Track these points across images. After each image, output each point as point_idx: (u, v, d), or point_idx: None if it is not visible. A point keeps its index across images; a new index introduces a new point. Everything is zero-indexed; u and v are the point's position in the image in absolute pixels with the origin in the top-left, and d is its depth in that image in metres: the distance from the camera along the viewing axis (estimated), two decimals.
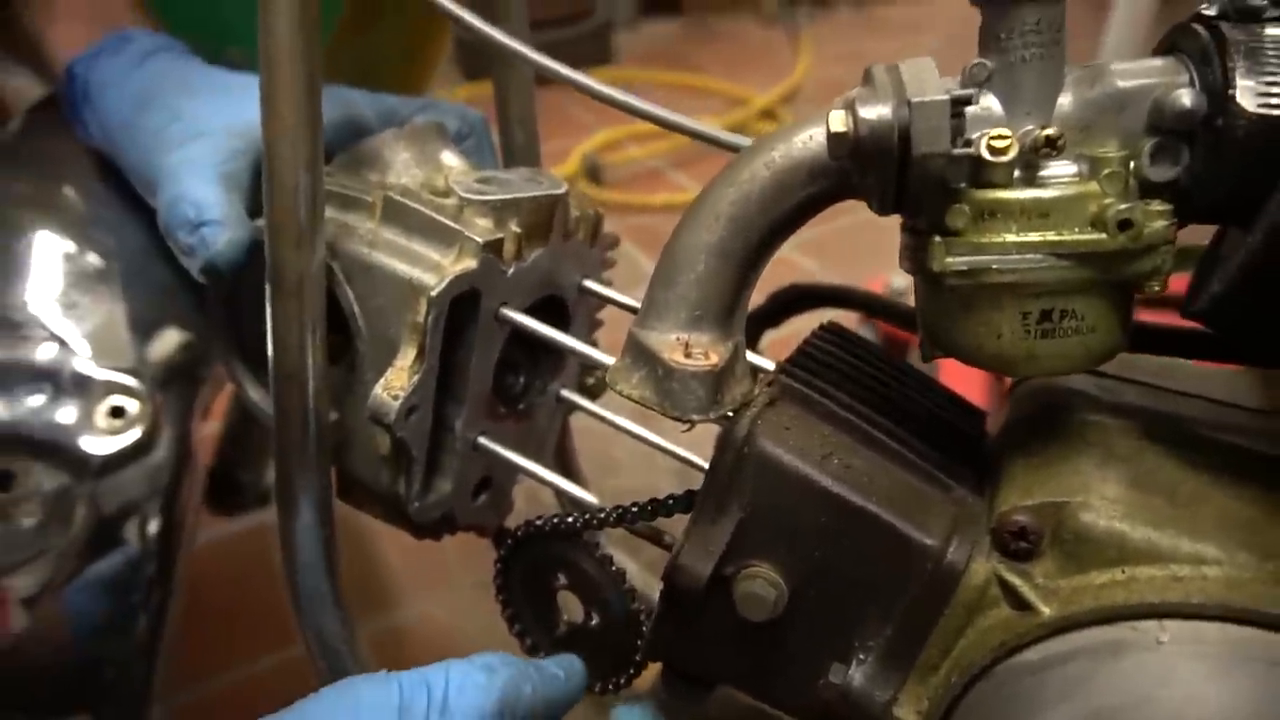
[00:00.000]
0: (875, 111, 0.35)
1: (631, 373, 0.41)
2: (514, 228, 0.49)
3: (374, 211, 0.49)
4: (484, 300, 0.49)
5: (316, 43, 0.42)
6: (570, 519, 0.46)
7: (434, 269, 0.47)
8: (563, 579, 0.49)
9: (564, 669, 0.46)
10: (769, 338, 0.69)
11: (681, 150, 2.14)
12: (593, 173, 2.07)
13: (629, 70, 2.67)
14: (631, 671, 0.48)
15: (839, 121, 0.35)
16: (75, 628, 0.59)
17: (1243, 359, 0.43)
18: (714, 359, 0.39)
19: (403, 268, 0.48)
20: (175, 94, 0.56)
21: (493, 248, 0.48)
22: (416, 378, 0.47)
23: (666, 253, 0.41)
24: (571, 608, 0.50)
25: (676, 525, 0.45)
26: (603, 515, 0.45)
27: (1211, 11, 0.36)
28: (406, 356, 0.47)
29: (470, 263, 0.47)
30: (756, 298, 0.54)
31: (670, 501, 0.45)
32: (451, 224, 0.48)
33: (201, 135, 0.53)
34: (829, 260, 1.73)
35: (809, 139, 0.39)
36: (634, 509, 0.45)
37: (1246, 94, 0.33)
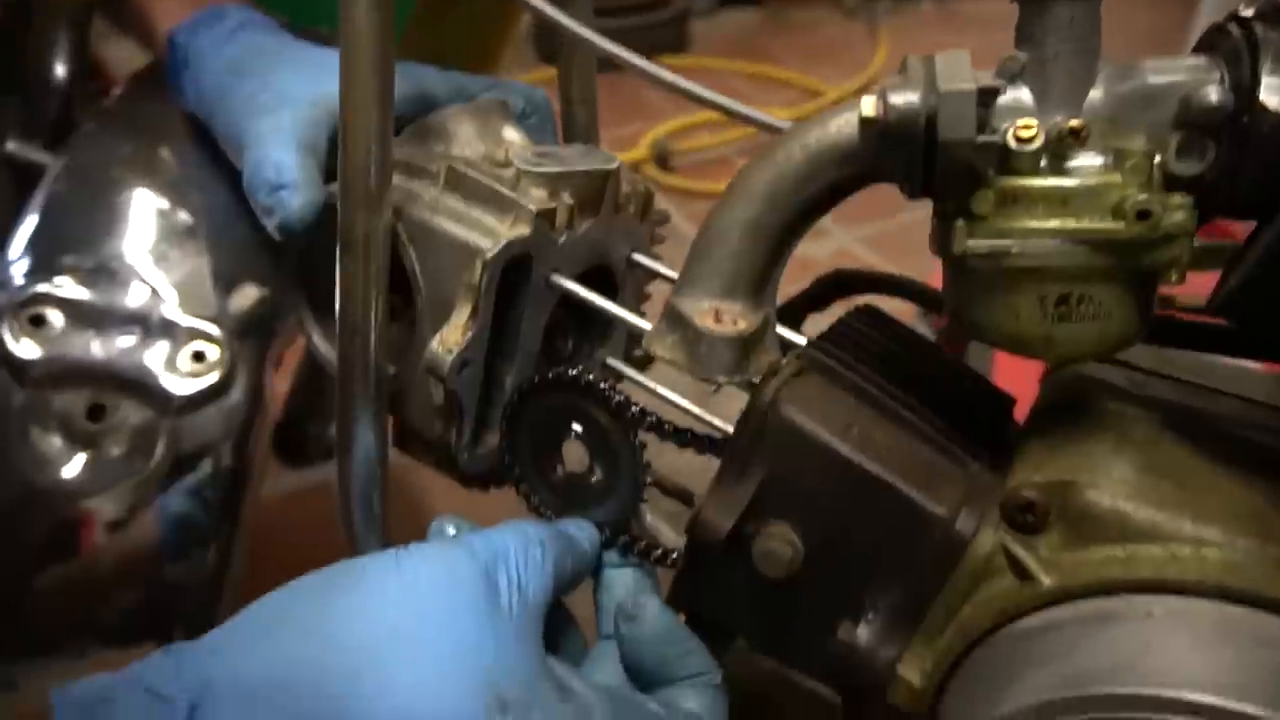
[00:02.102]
0: (904, 98, 0.37)
1: (666, 336, 0.44)
2: (567, 199, 0.52)
3: (438, 179, 0.53)
4: (535, 266, 0.52)
5: (390, 25, 0.46)
6: (612, 390, 0.47)
7: (490, 234, 0.50)
8: (578, 429, 0.49)
9: (586, 538, 0.48)
10: (814, 321, 0.71)
11: (750, 139, 2.15)
12: (662, 159, 2.09)
13: (704, 59, 2.68)
14: (622, 535, 0.49)
15: (870, 106, 0.38)
16: (147, 555, 0.64)
17: (1258, 354, 0.44)
18: (742, 326, 0.42)
19: (461, 232, 0.51)
20: (264, 65, 0.61)
21: (545, 216, 0.51)
22: (470, 335, 0.50)
23: (704, 227, 0.44)
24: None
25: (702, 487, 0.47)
26: (639, 408, 0.47)
27: (1248, 12, 0.37)
28: (461, 315, 0.50)
29: (524, 229, 0.50)
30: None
31: (706, 440, 0.47)
32: (508, 193, 0.51)
33: (285, 104, 0.57)
34: (892, 254, 1.73)
35: (843, 123, 0.41)
36: (666, 424, 0.47)
37: (1272, 93, 0.34)
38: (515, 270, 0.51)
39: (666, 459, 0.52)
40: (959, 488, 0.42)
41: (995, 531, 0.40)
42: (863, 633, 0.42)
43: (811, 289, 0.68)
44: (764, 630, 0.46)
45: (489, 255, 0.49)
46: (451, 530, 0.46)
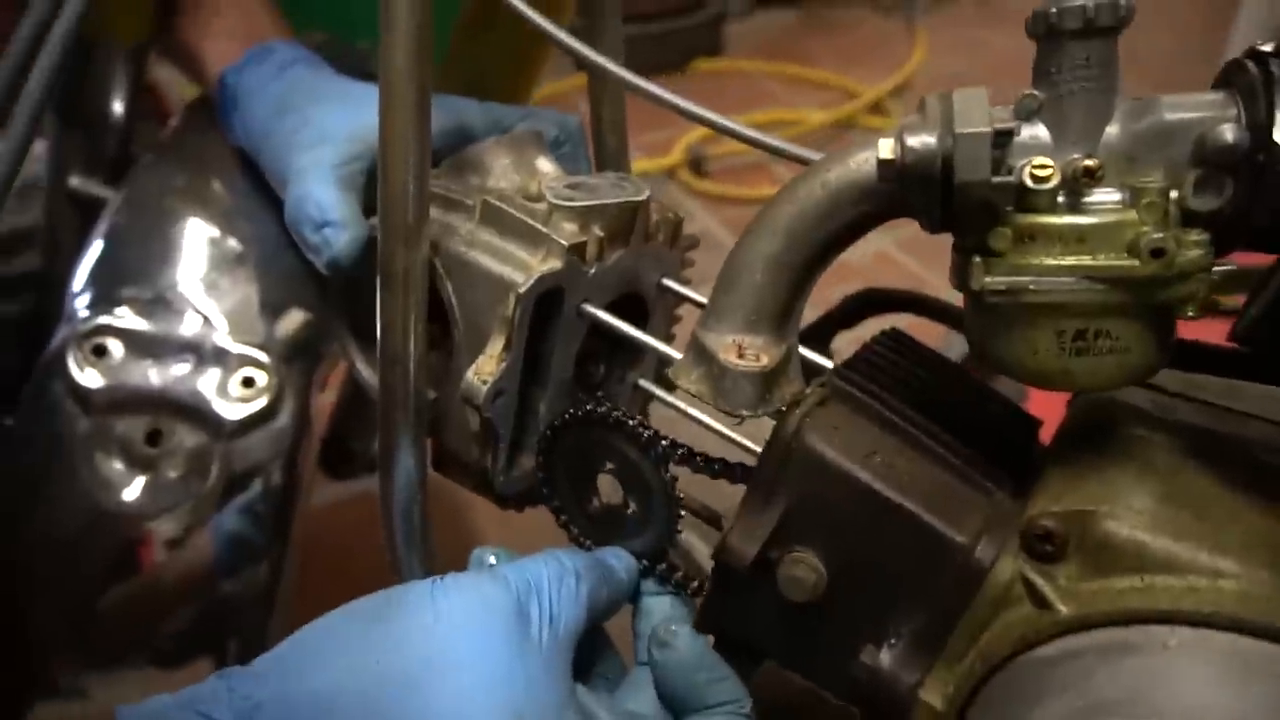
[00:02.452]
0: (921, 140, 0.38)
1: (692, 369, 0.46)
2: (597, 231, 0.54)
3: (474, 214, 0.55)
4: (567, 297, 0.54)
5: (428, 67, 0.48)
6: (641, 426, 0.48)
7: (523, 268, 0.52)
8: (611, 465, 0.50)
9: (624, 567, 0.49)
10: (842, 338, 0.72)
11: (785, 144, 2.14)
12: (695, 164, 2.10)
13: (739, 61, 2.68)
14: (660, 564, 0.50)
15: (887, 149, 0.39)
16: (204, 572, 0.67)
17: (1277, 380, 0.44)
18: (765, 360, 0.43)
19: (495, 266, 0.53)
20: (306, 102, 0.63)
21: (576, 250, 0.52)
22: (504, 365, 0.52)
23: (729, 262, 0.45)
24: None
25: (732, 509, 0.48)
26: (669, 442, 0.48)
27: (1267, 48, 0.37)
28: (496, 346, 0.52)
29: (556, 263, 0.52)
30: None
31: (739, 469, 0.48)
32: (540, 227, 0.53)
33: (326, 140, 0.59)
34: (927, 258, 1.72)
35: (863, 161, 0.42)
36: (699, 456, 0.48)
37: None
38: (547, 301, 0.53)
39: (699, 478, 0.53)
40: (980, 515, 0.43)
41: (1015, 560, 0.41)
42: (885, 657, 0.43)
43: (841, 307, 0.69)
44: (790, 652, 0.47)
45: (522, 289, 0.51)
46: (491, 560, 0.48)
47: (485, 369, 0.52)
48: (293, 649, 0.40)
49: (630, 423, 0.49)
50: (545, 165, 0.60)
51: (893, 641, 0.44)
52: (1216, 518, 0.39)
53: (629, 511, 0.51)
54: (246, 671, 0.39)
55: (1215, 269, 0.40)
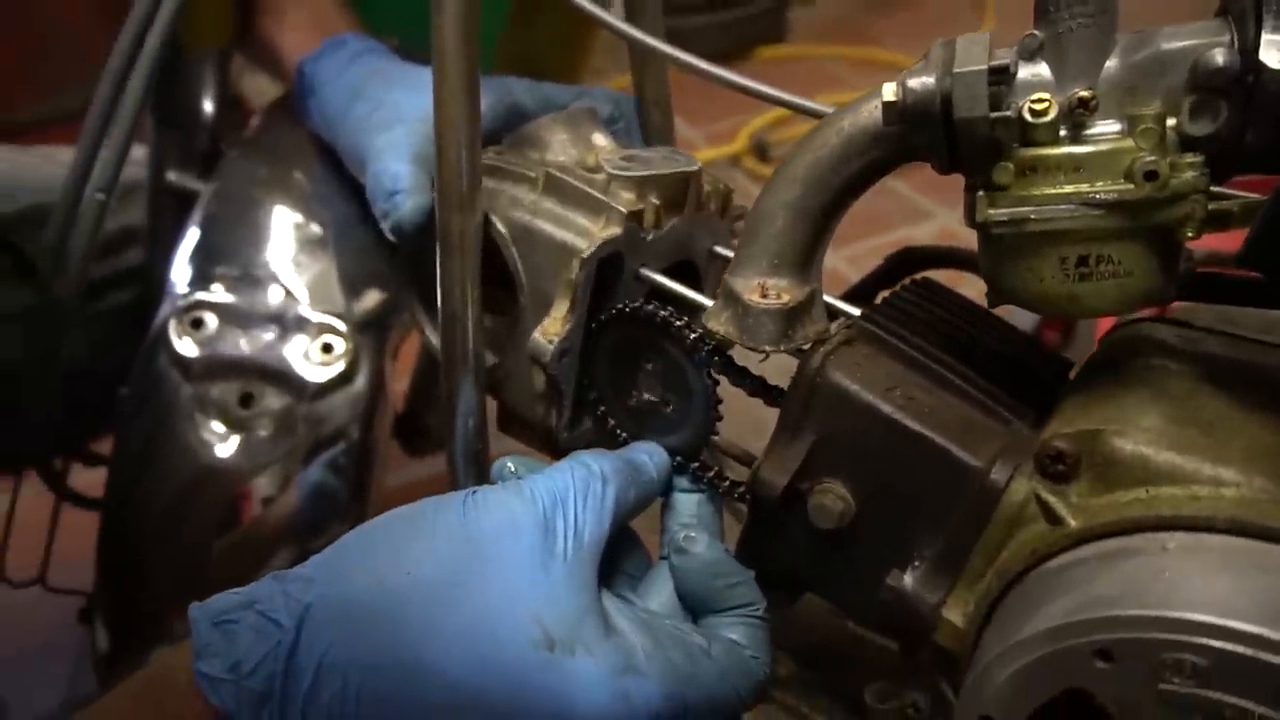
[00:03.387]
0: (921, 82, 0.40)
1: (721, 313, 0.49)
2: (653, 200, 0.57)
3: (537, 185, 0.59)
4: (626, 262, 0.57)
5: (475, 53, 0.52)
6: (688, 328, 0.50)
7: (584, 234, 0.55)
8: (655, 363, 0.52)
9: (655, 464, 0.50)
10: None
11: None
12: (760, 150, 2.12)
13: (804, 46, 2.68)
14: (694, 461, 0.52)
15: (890, 92, 0.41)
16: (294, 526, 0.74)
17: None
18: (786, 299, 0.46)
19: (559, 233, 0.56)
20: (378, 88, 0.69)
21: (635, 217, 0.55)
22: (569, 326, 0.55)
23: (752, 212, 0.48)
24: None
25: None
26: (712, 346, 0.49)
27: None
28: (561, 308, 0.56)
29: (615, 230, 0.55)
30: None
31: (775, 391, 0.50)
32: (601, 196, 0.56)
33: (399, 122, 0.65)
34: None
35: (874, 108, 0.44)
36: (741, 369, 0.50)
37: (1271, 51, 0.36)
38: (608, 266, 0.56)
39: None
40: (997, 442, 0.45)
41: (1029, 481, 0.43)
42: (909, 579, 0.46)
43: (882, 268, 0.71)
44: (822, 579, 0.50)
45: (585, 254, 0.54)
46: (511, 468, 0.50)
47: (551, 329, 0.56)
48: (337, 555, 0.44)
49: (678, 324, 0.50)
50: (600, 139, 0.64)
51: (916, 564, 0.46)
52: (1222, 434, 0.40)
53: (668, 409, 0.53)
54: (297, 574, 0.43)
55: (1236, 201, 0.41)
